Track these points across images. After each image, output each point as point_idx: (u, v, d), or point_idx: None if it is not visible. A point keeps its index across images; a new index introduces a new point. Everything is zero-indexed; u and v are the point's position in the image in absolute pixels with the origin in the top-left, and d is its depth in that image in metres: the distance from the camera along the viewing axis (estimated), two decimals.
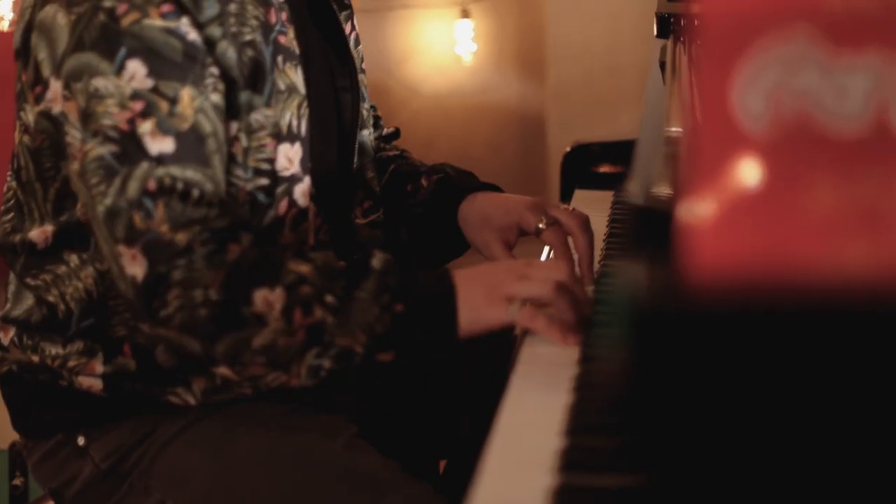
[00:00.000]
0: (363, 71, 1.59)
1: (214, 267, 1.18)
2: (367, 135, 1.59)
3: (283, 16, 1.35)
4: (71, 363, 1.31)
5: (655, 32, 1.65)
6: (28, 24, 1.28)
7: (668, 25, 1.63)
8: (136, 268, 1.19)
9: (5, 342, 1.36)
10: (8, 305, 1.37)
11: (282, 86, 1.33)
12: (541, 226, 1.46)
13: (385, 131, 1.75)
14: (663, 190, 0.90)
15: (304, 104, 1.35)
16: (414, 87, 2.56)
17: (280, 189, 1.33)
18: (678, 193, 0.64)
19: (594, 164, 2.10)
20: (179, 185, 1.19)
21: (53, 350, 1.32)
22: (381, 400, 1.53)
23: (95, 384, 1.31)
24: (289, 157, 1.34)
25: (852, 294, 0.57)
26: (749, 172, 0.58)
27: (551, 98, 2.97)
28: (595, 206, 1.85)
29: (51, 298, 1.32)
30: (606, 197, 1.94)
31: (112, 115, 1.19)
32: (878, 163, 0.57)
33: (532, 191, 2.69)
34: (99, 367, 1.31)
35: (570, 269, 1.23)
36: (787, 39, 0.58)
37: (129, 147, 1.19)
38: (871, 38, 0.57)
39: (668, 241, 0.75)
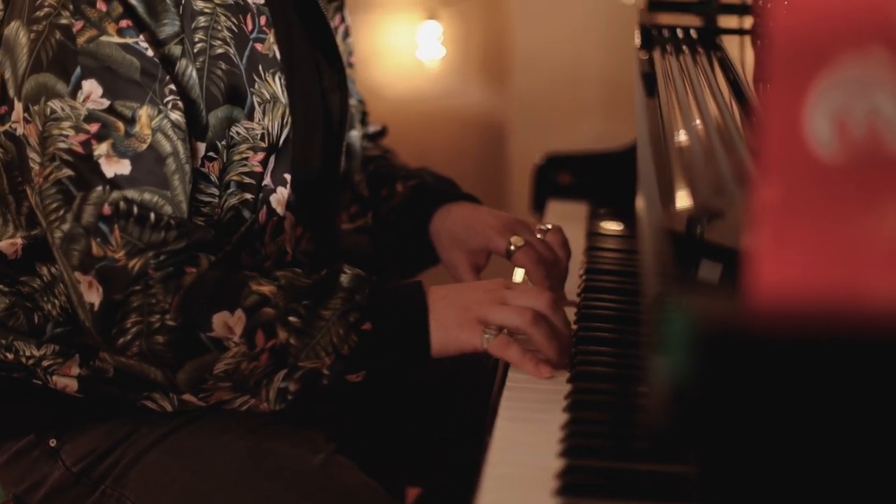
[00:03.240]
0: (351, 65, 1.54)
1: (171, 291, 1.15)
2: (355, 135, 1.54)
3: (262, 20, 1.29)
4: (46, 363, 1.27)
5: (638, 43, 1.63)
6: None
7: (651, 37, 1.62)
8: (93, 295, 1.16)
9: None
10: None
11: (266, 95, 1.28)
12: (511, 248, 1.40)
13: (371, 129, 1.69)
14: (684, 202, 0.88)
15: (287, 112, 1.30)
16: (376, 91, 2.53)
17: (259, 200, 1.29)
18: (749, 217, 0.62)
19: (566, 175, 2.07)
20: (135, 209, 1.15)
21: (28, 350, 1.27)
22: (361, 419, 1.48)
23: (71, 384, 1.27)
24: (267, 169, 1.29)
25: None
26: (818, 197, 0.56)
27: (515, 106, 2.95)
28: (569, 216, 1.83)
29: (28, 304, 1.27)
30: (579, 208, 1.92)
31: (67, 139, 1.16)
32: None
33: (492, 198, 2.66)
34: (75, 370, 1.27)
35: (551, 298, 1.18)
36: (860, 62, 0.56)
37: (85, 171, 1.15)
38: None
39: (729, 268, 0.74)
